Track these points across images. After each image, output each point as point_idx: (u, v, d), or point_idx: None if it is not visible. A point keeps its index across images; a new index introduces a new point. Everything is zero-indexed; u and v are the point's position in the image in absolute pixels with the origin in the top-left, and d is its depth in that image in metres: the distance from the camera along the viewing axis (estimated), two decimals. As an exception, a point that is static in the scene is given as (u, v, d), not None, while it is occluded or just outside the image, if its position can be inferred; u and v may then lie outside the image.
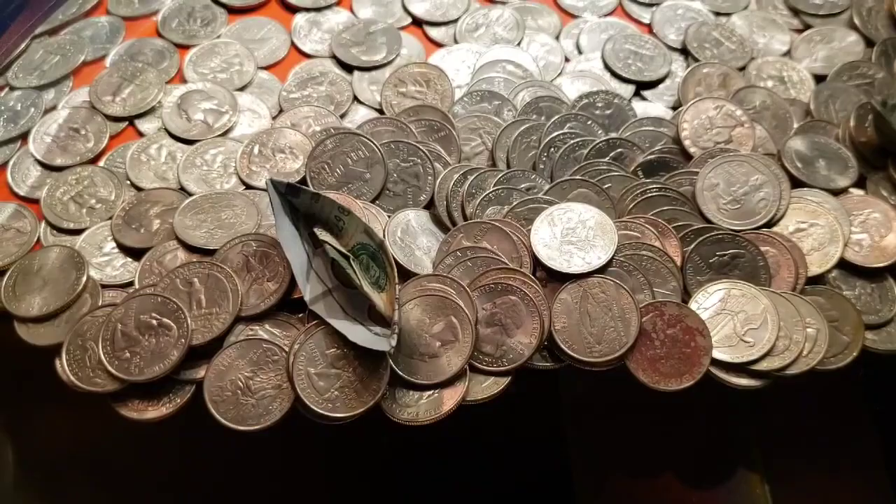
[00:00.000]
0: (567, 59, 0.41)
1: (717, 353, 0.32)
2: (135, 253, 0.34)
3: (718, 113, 0.37)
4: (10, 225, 0.35)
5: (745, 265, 0.34)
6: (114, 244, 0.34)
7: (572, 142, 0.37)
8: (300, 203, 0.32)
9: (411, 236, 0.34)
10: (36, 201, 0.36)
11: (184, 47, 0.41)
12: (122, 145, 0.37)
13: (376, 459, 0.40)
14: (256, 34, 0.41)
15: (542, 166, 0.36)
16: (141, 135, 0.38)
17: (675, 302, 0.33)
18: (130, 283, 0.33)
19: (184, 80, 0.40)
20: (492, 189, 0.35)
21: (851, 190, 0.37)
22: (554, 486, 0.41)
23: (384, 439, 0.39)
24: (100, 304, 0.33)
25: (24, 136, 0.37)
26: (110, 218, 0.35)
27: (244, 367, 0.31)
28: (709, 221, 0.35)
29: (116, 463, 0.39)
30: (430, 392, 0.31)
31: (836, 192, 0.36)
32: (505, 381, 0.31)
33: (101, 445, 0.39)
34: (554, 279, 0.33)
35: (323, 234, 0.32)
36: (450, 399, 0.31)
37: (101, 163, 0.37)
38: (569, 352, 0.32)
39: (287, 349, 0.31)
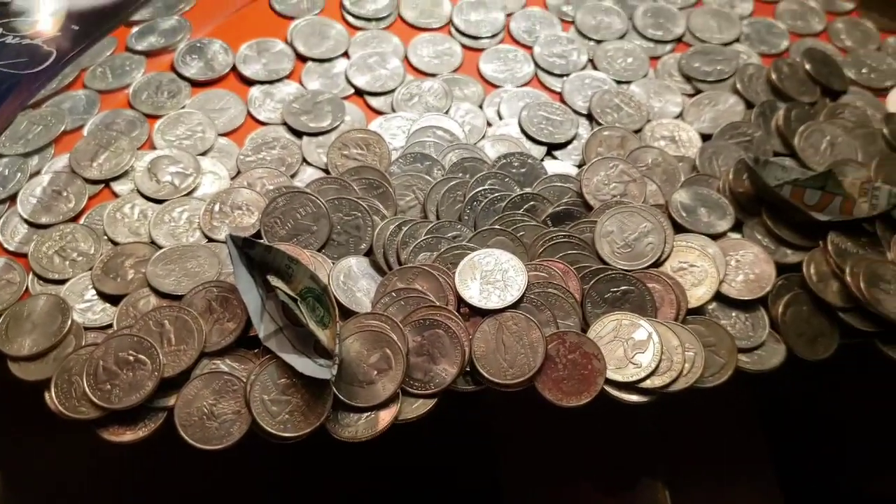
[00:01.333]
0: (489, 124, 0.46)
1: (611, 374, 0.37)
2: (112, 299, 0.39)
3: (615, 170, 0.43)
4: (1, 277, 0.39)
5: (635, 299, 0.39)
6: (94, 292, 0.39)
7: (492, 196, 0.42)
8: (255, 254, 0.37)
9: (353, 280, 0.39)
10: (24, 255, 0.40)
11: (153, 117, 0.45)
12: (99, 205, 0.42)
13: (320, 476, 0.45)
14: (217, 104, 0.46)
15: (466, 217, 0.41)
16: (116, 195, 0.42)
17: (576, 331, 0.38)
18: (109, 326, 0.38)
19: (153, 147, 0.44)
20: (423, 238, 0.40)
21: (730, 234, 0.42)
22: (484, 499, 0.47)
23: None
24: (83, 343, 0.37)
25: (12, 198, 0.42)
26: (90, 269, 0.39)
27: (208, 396, 0.36)
28: (605, 263, 0.40)
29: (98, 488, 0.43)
30: (368, 413, 0.36)
31: (716, 236, 0.41)
32: (432, 402, 0.36)
33: (83, 472, 0.43)
34: (475, 314, 0.38)
35: (275, 281, 0.37)
36: (385, 419, 0.36)
37: (82, 220, 0.41)
38: (487, 376, 0.37)
39: (244, 379, 0.36)
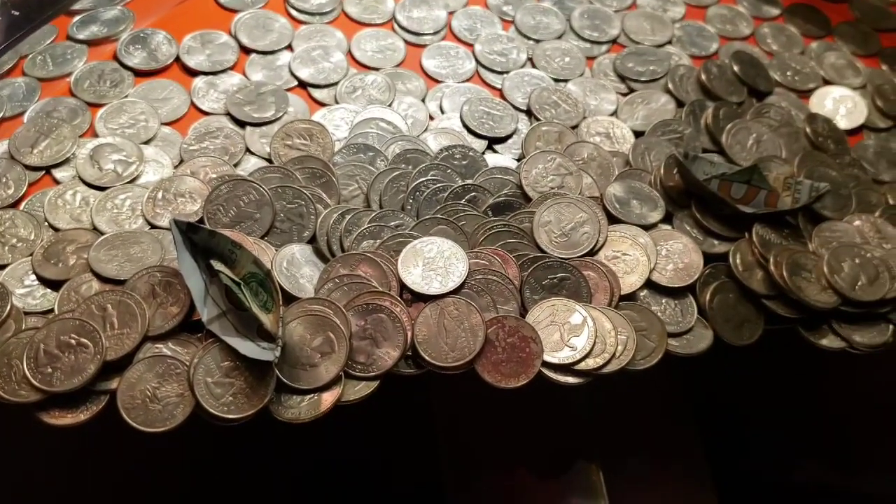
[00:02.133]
0: (431, 118, 0.47)
1: (547, 357, 0.38)
2: (53, 284, 0.38)
3: (553, 164, 0.44)
4: (-64, 262, 0.39)
5: (571, 286, 0.40)
6: (34, 277, 0.39)
7: (434, 186, 0.43)
8: (199, 239, 0.37)
9: (296, 267, 0.40)
10: (-39, 241, 0.40)
11: (95, 105, 0.45)
12: (40, 191, 0.41)
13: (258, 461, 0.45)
14: (160, 94, 0.46)
15: (409, 207, 0.42)
16: (57, 183, 0.42)
17: (514, 316, 0.39)
18: (50, 311, 0.38)
19: (95, 135, 0.44)
20: (366, 226, 0.41)
21: (660, 225, 0.43)
22: (425, 484, 0.47)
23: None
24: (23, 328, 0.37)
25: None
26: (31, 255, 0.39)
27: (151, 380, 0.36)
28: (542, 251, 0.41)
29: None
30: (311, 395, 0.36)
31: (648, 227, 0.43)
32: (374, 384, 0.37)
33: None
34: (417, 299, 0.39)
35: (218, 265, 0.37)
36: (327, 401, 0.36)
37: (21, 207, 0.41)
38: (428, 359, 0.38)
39: (188, 363, 0.36)
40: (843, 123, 0.51)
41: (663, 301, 0.42)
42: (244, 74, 0.48)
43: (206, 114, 0.46)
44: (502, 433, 0.47)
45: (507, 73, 0.50)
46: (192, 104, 0.46)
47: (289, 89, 0.47)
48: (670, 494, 0.47)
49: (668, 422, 0.49)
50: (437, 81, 0.49)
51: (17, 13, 0.45)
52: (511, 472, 0.46)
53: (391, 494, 0.49)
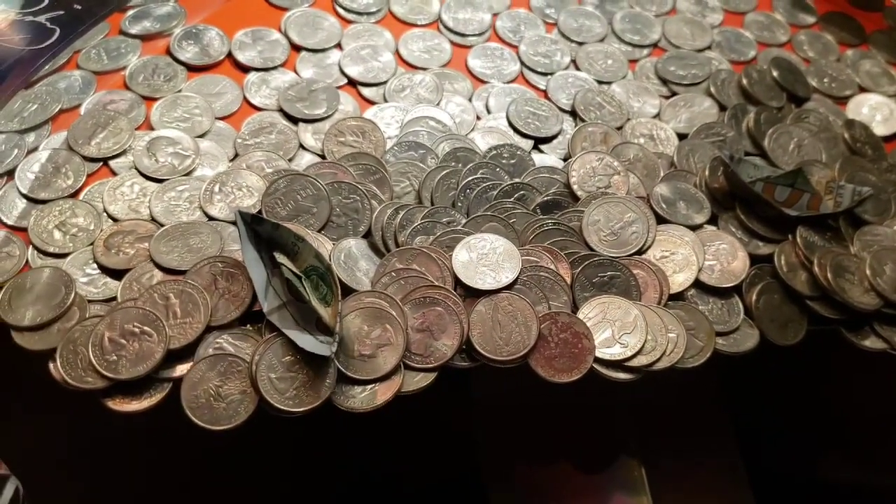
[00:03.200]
0: (478, 118, 0.48)
1: (599, 353, 0.39)
2: (115, 274, 0.39)
3: (600, 164, 0.45)
4: (0, 249, 0.40)
5: (621, 284, 0.41)
6: (96, 266, 0.39)
7: (484, 185, 0.43)
8: (263, 230, 0.38)
9: (353, 261, 0.40)
10: (23, 230, 0.40)
11: (149, 99, 0.46)
12: (98, 182, 0.42)
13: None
14: (213, 89, 0.47)
15: (459, 204, 0.43)
16: (114, 174, 0.43)
17: (566, 312, 0.40)
18: (113, 299, 0.38)
19: (151, 128, 0.45)
20: (419, 222, 0.41)
21: (706, 226, 0.44)
22: (466, 476, 0.48)
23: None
24: (87, 315, 0.38)
25: (9, 174, 0.42)
26: (91, 244, 0.40)
27: (214, 378, 0.36)
28: (592, 249, 0.42)
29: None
30: (372, 385, 0.37)
31: (694, 228, 0.44)
32: (433, 376, 0.38)
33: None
34: (471, 294, 0.40)
35: (281, 258, 0.38)
36: (388, 391, 0.37)
37: (81, 197, 0.42)
38: (483, 353, 0.38)
39: (248, 360, 0.37)
40: (879, 130, 0.52)
41: (710, 301, 0.42)
42: (295, 71, 0.48)
43: (259, 109, 0.47)
44: (543, 428, 0.48)
45: (551, 74, 0.51)
46: (245, 99, 0.47)
47: (339, 87, 0.48)
48: (708, 492, 0.48)
49: (705, 417, 0.49)
50: (483, 82, 0.50)
51: (79, 7, 0.45)
52: (552, 465, 0.47)
53: (431, 487, 0.50)
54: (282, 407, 0.36)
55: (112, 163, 0.43)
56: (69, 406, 0.37)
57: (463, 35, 0.52)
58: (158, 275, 0.39)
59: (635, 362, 0.39)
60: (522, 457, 0.47)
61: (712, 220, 0.45)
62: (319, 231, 0.41)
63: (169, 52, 0.48)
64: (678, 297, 0.42)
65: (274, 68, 0.48)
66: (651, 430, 0.47)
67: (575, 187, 0.44)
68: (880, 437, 0.52)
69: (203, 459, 0.44)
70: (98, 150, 0.43)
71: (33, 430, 0.44)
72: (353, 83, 0.49)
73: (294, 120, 0.46)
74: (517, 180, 0.44)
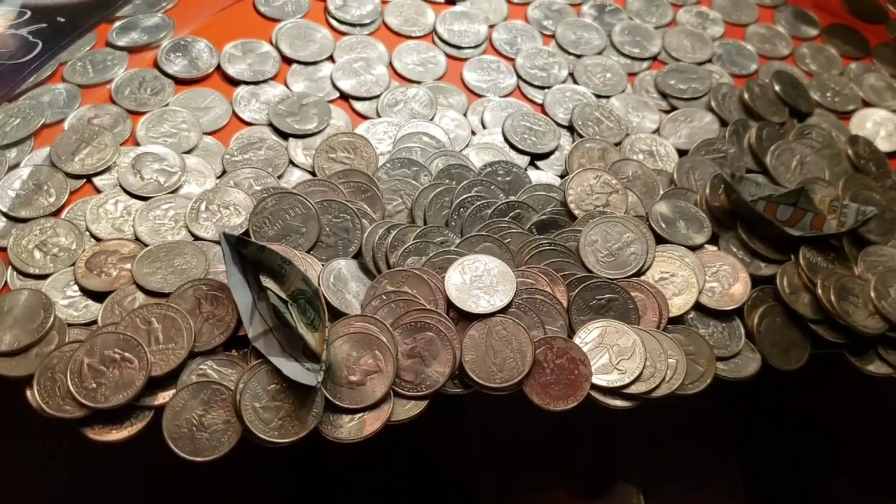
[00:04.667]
0: (473, 133, 0.47)
1: (596, 380, 0.38)
2: (96, 296, 0.38)
3: (598, 181, 0.44)
4: (-22, 271, 0.38)
5: (619, 307, 0.40)
6: (77, 288, 0.38)
7: (478, 203, 0.42)
8: (248, 253, 0.37)
9: (342, 282, 0.39)
10: (2, 249, 0.39)
11: (136, 113, 0.44)
12: (81, 200, 0.41)
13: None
14: (201, 103, 0.45)
15: (453, 223, 0.42)
16: (98, 191, 0.42)
17: (563, 337, 0.38)
18: (93, 322, 0.37)
19: (136, 143, 0.43)
20: (411, 242, 0.40)
21: (706, 246, 0.43)
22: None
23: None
24: (66, 340, 0.36)
25: None
26: (72, 265, 0.39)
27: (197, 407, 0.35)
28: (589, 271, 0.41)
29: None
30: (360, 414, 0.36)
31: (694, 248, 0.42)
32: (424, 404, 0.37)
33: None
34: (464, 318, 0.39)
35: (267, 281, 0.37)
36: (377, 420, 0.36)
37: (63, 215, 0.40)
38: (476, 379, 0.37)
39: (232, 388, 0.36)
40: (883, 146, 0.51)
41: (711, 324, 0.41)
42: (286, 85, 0.47)
43: (248, 124, 0.45)
44: (540, 452, 0.46)
45: (548, 88, 0.49)
46: (234, 114, 0.46)
47: (331, 101, 0.47)
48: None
49: (705, 441, 0.48)
50: (479, 95, 0.49)
51: (62, 20, 0.44)
52: (550, 491, 0.46)
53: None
54: (266, 437, 0.35)
55: (96, 180, 0.42)
56: (56, 433, 0.36)
57: (458, 47, 0.51)
58: (141, 297, 0.38)
59: (633, 389, 0.38)
60: (520, 483, 0.46)
61: (713, 240, 0.44)
62: (308, 251, 0.40)
63: (156, 65, 0.47)
64: (678, 320, 0.41)
65: (264, 81, 0.47)
66: (650, 454, 0.46)
67: (572, 206, 0.43)
68: (884, 461, 0.51)
69: (192, 491, 0.43)
70: (82, 167, 0.42)
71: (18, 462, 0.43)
72: (345, 97, 0.47)
73: (284, 135, 0.45)
74: (513, 198, 0.43)
